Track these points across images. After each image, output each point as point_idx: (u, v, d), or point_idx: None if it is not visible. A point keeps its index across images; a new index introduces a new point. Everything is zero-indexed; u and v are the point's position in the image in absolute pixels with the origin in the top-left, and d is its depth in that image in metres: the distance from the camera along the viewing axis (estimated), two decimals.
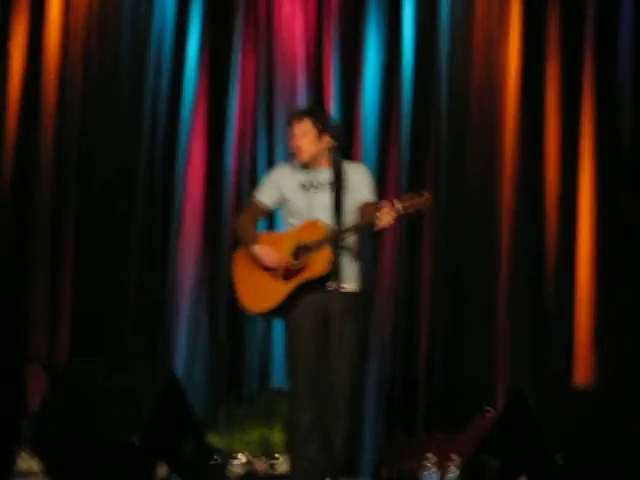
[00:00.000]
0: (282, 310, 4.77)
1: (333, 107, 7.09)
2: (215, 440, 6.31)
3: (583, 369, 6.49)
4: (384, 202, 4.47)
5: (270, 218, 5.74)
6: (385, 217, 4.43)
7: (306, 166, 4.88)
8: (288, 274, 4.70)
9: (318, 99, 7.18)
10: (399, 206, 4.44)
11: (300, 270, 4.68)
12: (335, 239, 4.53)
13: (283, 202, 4.88)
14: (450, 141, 6.95)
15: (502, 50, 6.96)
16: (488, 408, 6.21)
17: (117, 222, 7.09)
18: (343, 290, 4.49)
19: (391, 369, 6.80)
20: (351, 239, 4.70)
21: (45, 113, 7.12)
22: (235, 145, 7.23)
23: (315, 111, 5.03)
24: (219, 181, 7.20)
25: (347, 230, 4.59)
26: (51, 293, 6.98)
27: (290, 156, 4.90)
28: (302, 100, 7.16)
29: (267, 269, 4.77)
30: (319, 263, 4.62)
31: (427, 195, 4.48)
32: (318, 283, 4.65)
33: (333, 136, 4.81)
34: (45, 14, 7.21)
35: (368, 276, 6.73)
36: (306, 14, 7.28)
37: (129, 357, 6.81)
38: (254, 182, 7.07)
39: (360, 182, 4.83)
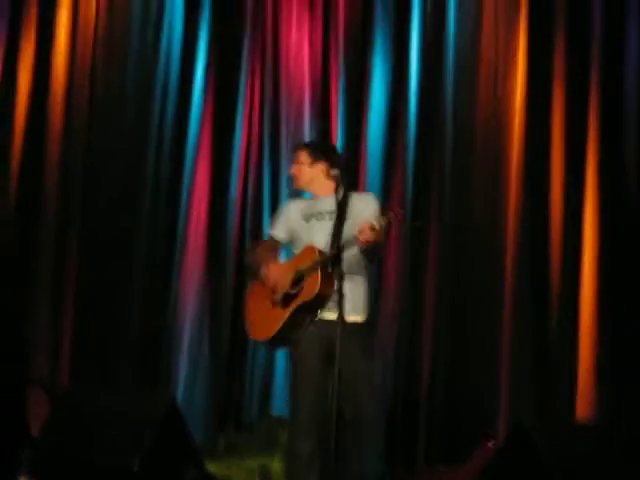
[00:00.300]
0: (284, 337, 4.88)
1: (338, 134, 7.11)
2: (214, 468, 6.28)
3: (585, 402, 6.45)
4: (363, 223, 4.59)
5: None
6: (363, 233, 4.55)
7: (312, 197, 4.99)
8: (287, 300, 4.81)
9: (323, 126, 7.19)
10: (380, 220, 4.55)
11: (296, 295, 4.78)
12: (325, 260, 4.68)
13: (293, 236, 5.07)
14: (454, 172, 6.93)
15: (507, 82, 6.95)
16: (490, 437, 6.17)
17: (120, 247, 7.09)
18: (346, 321, 4.58)
19: (392, 401, 6.76)
20: (350, 265, 4.72)
21: (51, 135, 7.13)
22: (240, 171, 7.23)
23: (313, 142, 5.29)
24: (223, 207, 7.20)
25: (334, 250, 4.69)
26: (53, 316, 6.97)
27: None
28: (308, 127, 7.17)
29: (271, 296, 4.87)
30: (309, 287, 4.73)
31: (400, 211, 4.61)
32: (312, 306, 4.76)
33: (330, 163, 4.95)
34: (52, 37, 7.23)
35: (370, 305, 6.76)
36: (312, 41, 7.30)
37: (130, 383, 6.80)
38: (258, 208, 7.13)
39: (365, 207, 4.91)
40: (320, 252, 4.74)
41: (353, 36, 7.27)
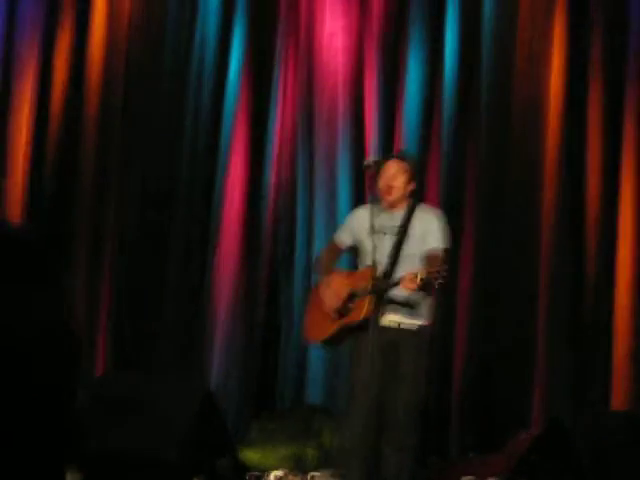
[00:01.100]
0: (331, 345, 5.29)
1: (374, 127, 7.06)
2: (249, 456, 6.30)
3: (621, 392, 6.42)
4: (407, 273, 4.73)
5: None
6: (405, 282, 4.74)
7: (382, 209, 5.00)
8: (336, 314, 5.04)
9: (358, 117, 7.15)
10: (422, 274, 4.68)
11: (345, 313, 5.01)
12: (377, 289, 4.85)
13: (357, 245, 5.18)
14: (490, 160, 6.90)
15: (545, 67, 6.90)
16: (524, 432, 6.16)
17: (156, 235, 7.12)
18: (405, 327, 4.94)
19: (425, 392, 6.75)
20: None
21: (87, 125, 7.17)
22: (275, 161, 7.21)
23: (413, 156, 5.33)
24: (258, 197, 7.19)
25: (385, 284, 4.88)
26: (88, 304, 7.01)
27: (376, 196, 5.08)
28: (342, 118, 7.13)
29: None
30: (359, 310, 4.93)
31: (445, 271, 4.67)
32: (356, 328, 4.95)
33: (417, 183, 5.03)
34: (89, 27, 7.25)
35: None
36: (348, 32, 7.23)
37: (165, 371, 6.83)
38: (293, 198, 7.10)
39: (429, 229, 4.99)
40: (375, 278, 4.85)
41: (389, 25, 7.21)
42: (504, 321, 6.71)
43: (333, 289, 5.04)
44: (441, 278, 4.63)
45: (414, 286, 4.68)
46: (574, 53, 6.82)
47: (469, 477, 5.90)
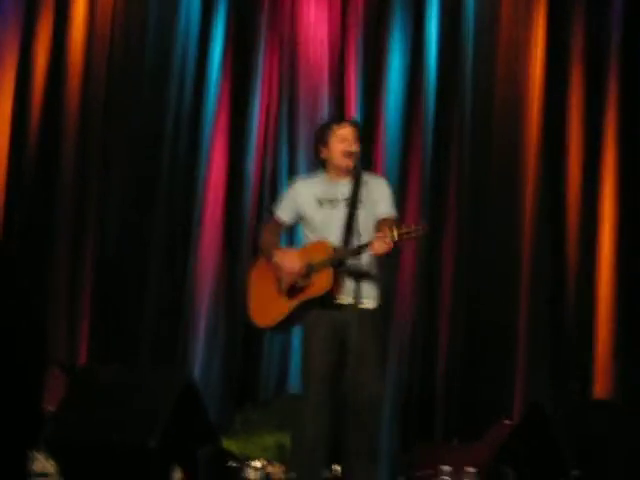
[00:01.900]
0: (284, 326, 4.88)
1: (356, 115, 7.07)
2: (230, 445, 6.30)
3: (603, 380, 6.45)
4: (378, 233, 4.52)
5: (291, 231, 5.72)
6: (377, 245, 4.48)
7: (324, 179, 4.89)
8: (293, 292, 4.74)
9: (341, 106, 7.16)
10: (394, 234, 4.46)
11: (303, 288, 4.72)
12: (338, 260, 4.62)
13: (301, 219, 4.93)
14: (472, 150, 6.92)
15: (526, 62, 6.93)
16: (505, 419, 6.18)
17: (138, 229, 7.11)
18: (360, 306, 4.62)
19: (408, 378, 6.77)
20: (366, 258, 4.70)
21: (67, 116, 7.16)
22: (257, 151, 7.22)
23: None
24: (240, 188, 7.19)
25: (347, 252, 4.63)
26: (71, 295, 7.00)
27: (343, 159, 4.80)
28: (325, 107, 7.14)
29: (277, 282, 4.79)
30: (319, 283, 4.67)
31: (424, 226, 4.51)
32: (318, 302, 4.69)
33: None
34: (70, 17, 7.24)
35: (388, 290, 6.76)
36: (330, 21, 7.26)
37: (147, 361, 6.83)
38: (275, 189, 7.11)
39: (379, 196, 4.84)
40: (334, 249, 4.66)
41: (371, 15, 7.25)
42: (486, 311, 6.73)
43: (286, 265, 4.73)
44: (413, 236, 4.46)
45: (387, 247, 4.45)
46: (555, 49, 6.85)
47: (447, 467, 5.92)
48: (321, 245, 4.73)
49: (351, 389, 4.64)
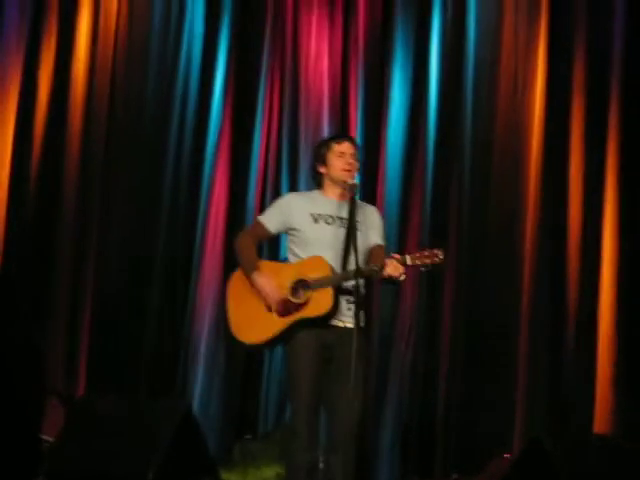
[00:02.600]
0: (274, 344, 4.77)
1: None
2: (229, 477, 6.28)
3: (603, 416, 6.41)
4: (393, 255, 4.51)
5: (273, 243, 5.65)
6: (392, 266, 4.47)
7: (316, 197, 4.87)
8: (285, 308, 4.64)
9: (342, 133, 7.16)
10: (409, 259, 4.47)
11: (299, 307, 4.63)
12: (339, 281, 4.58)
13: (289, 231, 4.85)
14: (473, 182, 6.91)
15: (527, 93, 6.93)
16: (506, 454, 6.15)
17: (138, 255, 7.10)
18: (347, 327, 4.58)
19: (408, 412, 6.75)
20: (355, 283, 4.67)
21: (70, 144, 7.17)
22: (258, 181, 7.22)
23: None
24: (241, 216, 7.18)
25: (353, 275, 4.55)
26: (69, 325, 6.98)
27: (342, 173, 4.79)
28: (326, 134, 7.12)
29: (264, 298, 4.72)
30: (321, 303, 4.60)
31: (440, 254, 4.51)
32: (317, 322, 4.62)
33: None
34: (73, 44, 7.26)
35: (389, 318, 6.74)
36: (332, 52, 7.28)
37: (146, 392, 6.80)
38: None
39: (371, 225, 4.83)
40: (333, 269, 4.61)
41: (373, 43, 7.25)
42: (486, 343, 6.71)
43: (277, 280, 4.67)
44: (427, 262, 4.45)
45: (400, 271, 4.44)
46: (556, 77, 6.85)
47: None
48: (318, 262, 4.66)
49: (335, 414, 4.61)
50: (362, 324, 4.69)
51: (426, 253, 4.51)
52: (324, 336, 4.65)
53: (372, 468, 6.60)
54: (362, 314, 4.69)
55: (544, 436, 5.30)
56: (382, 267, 4.50)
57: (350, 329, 4.54)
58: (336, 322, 4.66)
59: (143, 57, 7.36)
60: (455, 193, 6.94)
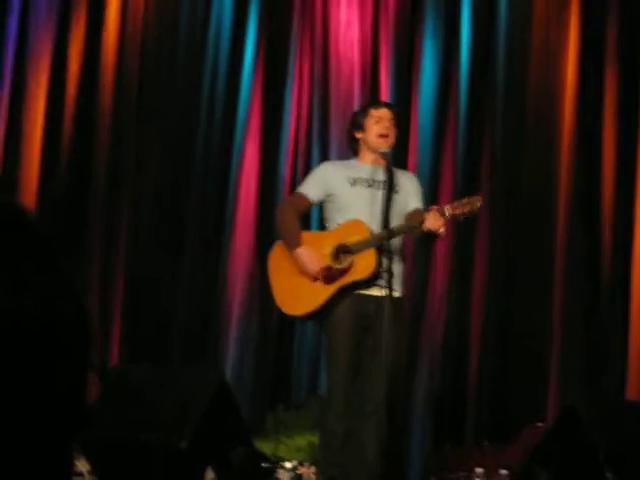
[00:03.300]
0: (322, 313, 4.71)
1: None
2: (263, 446, 6.29)
3: (636, 383, 6.39)
4: (432, 207, 4.44)
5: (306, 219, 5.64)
6: (432, 219, 4.42)
7: (352, 164, 4.86)
8: (330, 276, 4.62)
9: None
10: (448, 209, 4.42)
11: (343, 272, 4.61)
12: (381, 242, 4.51)
13: (329, 198, 4.82)
14: (506, 148, 6.89)
15: (560, 58, 6.89)
16: (539, 423, 6.13)
17: (170, 228, 7.11)
18: (388, 296, 4.46)
19: (441, 380, 6.75)
20: (396, 242, 4.66)
21: (101, 116, 7.14)
22: (289, 151, 7.19)
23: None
24: (272, 188, 7.17)
25: (393, 232, 4.54)
26: (102, 298, 6.99)
27: (378, 139, 4.77)
28: (357, 106, 7.10)
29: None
30: (364, 265, 4.56)
31: (478, 198, 4.46)
32: (361, 286, 4.60)
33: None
34: (103, 19, 7.24)
35: (421, 282, 6.72)
36: (362, 20, 7.23)
37: (179, 361, 6.83)
38: None
39: (410, 190, 4.82)
40: (373, 231, 4.55)
41: (403, 11, 7.20)
42: (520, 310, 6.69)
43: (319, 250, 4.62)
44: (468, 210, 4.42)
45: (441, 223, 4.39)
46: (589, 40, 6.80)
47: (480, 469, 5.89)
48: (357, 225, 4.63)
49: (371, 384, 4.58)
50: (398, 294, 4.69)
51: (465, 201, 4.49)
52: (362, 306, 4.64)
53: (404, 436, 6.60)
54: (398, 282, 4.68)
55: (578, 404, 5.28)
56: (422, 222, 4.45)
57: (388, 298, 4.46)
58: (374, 291, 4.63)
59: (172, 29, 7.33)
60: (487, 163, 6.91)
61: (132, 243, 7.08)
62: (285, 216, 4.86)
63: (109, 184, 7.11)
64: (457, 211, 4.47)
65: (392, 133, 4.81)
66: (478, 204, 4.49)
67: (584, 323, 6.59)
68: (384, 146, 4.76)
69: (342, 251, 4.62)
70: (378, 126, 4.80)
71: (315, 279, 4.65)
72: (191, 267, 7.07)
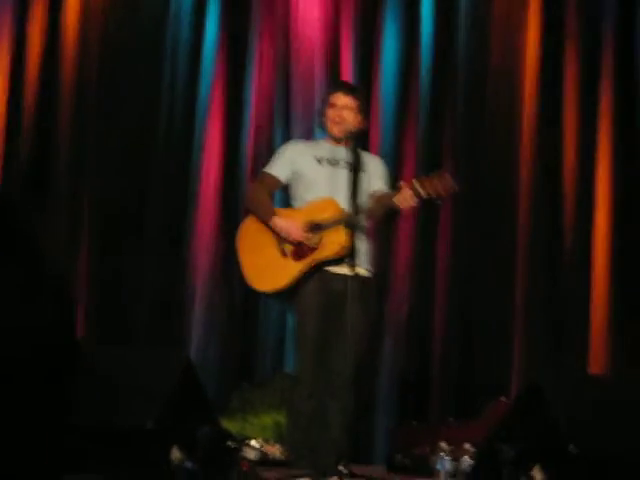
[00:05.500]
0: (290, 290, 4.74)
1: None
2: (229, 425, 6.30)
3: (598, 358, 6.46)
4: (403, 183, 4.45)
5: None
6: (404, 197, 4.44)
7: (316, 143, 4.88)
8: (300, 252, 4.67)
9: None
10: (418, 186, 4.43)
11: (313, 249, 4.64)
12: (351, 220, 4.52)
13: (297, 177, 4.85)
14: (467, 128, 6.91)
15: (520, 35, 6.92)
16: (502, 397, 6.19)
17: (133, 206, 7.08)
18: (355, 274, 4.45)
19: (405, 355, 6.79)
20: (362, 221, 4.66)
21: (62, 93, 7.10)
22: (251, 130, 7.19)
23: (362, 92, 5.04)
24: (235, 166, 7.17)
25: (365, 211, 4.57)
26: (67, 274, 6.97)
27: (332, 125, 4.85)
28: (319, 88, 7.10)
29: (279, 245, 4.72)
30: (334, 243, 4.59)
31: (447, 176, 4.49)
32: (331, 263, 4.64)
33: (364, 122, 4.85)
34: None
35: (384, 261, 6.74)
36: (324, 2, 7.22)
37: (144, 341, 6.82)
38: None
39: (375, 172, 4.84)
40: (344, 210, 4.57)
41: None
42: (482, 288, 6.73)
43: (290, 226, 4.68)
44: (440, 190, 4.43)
45: (413, 201, 4.43)
46: (549, 19, 6.82)
47: (445, 444, 5.92)
48: (328, 203, 4.67)
49: (337, 362, 4.60)
50: (367, 273, 4.73)
51: (440, 182, 4.46)
52: (330, 283, 4.66)
53: (369, 414, 6.64)
54: (366, 260, 4.73)
55: (541, 379, 5.33)
56: (390, 200, 4.49)
57: (356, 276, 4.46)
58: (342, 269, 4.63)
59: (133, 8, 7.28)
60: (449, 143, 6.93)
61: (95, 225, 7.03)
62: (257, 192, 4.93)
63: (71, 165, 7.06)
64: (427, 187, 4.47)
65: (346, 118, 4.84)
66: (452, 190, 4.48)
67: (547, 298, 6.64)
68: (336, 131, 4.83)
69: (314, 228, 4.65)
70: (330, 111, 4.87)
71: (284, 255, 4.66)
72: (155, 247, 7.05)
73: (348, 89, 4.98)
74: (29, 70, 7.07)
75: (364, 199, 4.67)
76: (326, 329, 4.69)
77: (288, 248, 4.71)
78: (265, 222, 4.77)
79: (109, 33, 7.22)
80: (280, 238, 4.74)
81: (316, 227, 4.65)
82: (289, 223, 4.69)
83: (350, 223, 4.53)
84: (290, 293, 4.75)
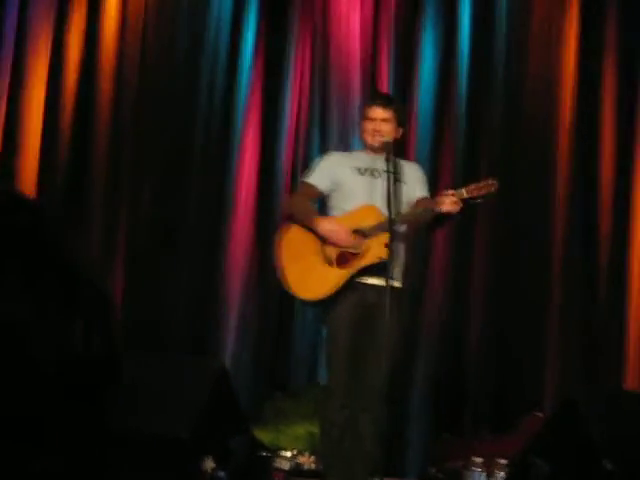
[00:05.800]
0: (333, 297, 4.69)
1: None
2: (261, 435, 6.31)
3: (634, 372, 6.42)
4: (447, 191, 4.51)
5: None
6: (446, 200, 4.44)
7: (353, 154, 4.91)
8: (344, 259, 4.65)
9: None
10: (462, 191, 4.45)
11: (357, 256, 4.63)
12: (392, 225, 4.51)
13: (336, 188, 4.85)
14: (504, 137, 6.89)
15: (559, 44, 6.90)
16: (537, 412, 6.16)
17: (170, 214, 7.09)
18: (390, 285, 4.42)
19: (439, 367, 6.76)
20: (405, 232, 4.66)
21: (101, 103, 7.12)
22: (288, 140, 7.19)
23: (400, 103, 5.06)
24: (272, 176, 7.17)
25: (406, 216, 4.59)
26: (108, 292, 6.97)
27: (368, 137, 4.87)
28: (356, 99, 7.10)
29: (322, 252, 4.72)
30: (376, 249, 4.56)
31: (492, 181, 4.49)
32: (366, 273, 4.62)
33: (401, 131, 4.87)
34: (102, 3, 7.23)
35: (419, 273, 6.73)
36: (362, 10, 7.22)
37: (179, 350, 6.82)
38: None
39: (415, 179, 4.85)
40: (386, 216, 4.53)
41: (404, 3, 7.20)
42: (518, 302, 6.70)
43: (338, 235, 4.64)
44: (483, 192, 4.44)
45: (456, 205, 4.42)
46: (588, 28, 6.80)
47: (479, 458, 5.90)
48: (370, 210, 4.67)
49: (370, 374, 4.60)
50: (399, 284, 4.72)
51: (481, 184, 4.51)
52: (363, 295, 4.66)
53: (403, 426, 6.63)
54: (400, 272, 4.71)
55: (576, 394, 5.30)
56: (432, 208, 4.50)
57: (390, 288, 4.42)
58: (375, 280, 4.64)
59: (173, 16, 7.31)
60: (486, 154, 6.91)
61: (132, 232, 7.06)
62: (295, 200, 4.96)
63: (109, 173, 7.09)
64: (474, 193, 4.49)
65: (383, 130, 4.84)
66: (493, 188, 4.49)
67: (582, 313, 6.61)
68: (373, 142, 4.85)
69: (357, 235, 4.65)
70: (367, 124, 4.88)
71: (326, 262, 4.67)
72: (191, 255, 7.06)
73: (384, 101, 4.97)
74: (67, 82, 7.10)
75: (404, 208, 4.67)
76: (359, 340, 4.68)
77: (332, 255, 4.68)
78: (311, 225, 4.75)
79: (147, 43, 7.23)
80: (323, 246, 4.72)
81: (360, 234, 4.64)
82: (337, 226, 4.68)
83: (391, 230, 4.51)
84: (326, 302, 4.73)
